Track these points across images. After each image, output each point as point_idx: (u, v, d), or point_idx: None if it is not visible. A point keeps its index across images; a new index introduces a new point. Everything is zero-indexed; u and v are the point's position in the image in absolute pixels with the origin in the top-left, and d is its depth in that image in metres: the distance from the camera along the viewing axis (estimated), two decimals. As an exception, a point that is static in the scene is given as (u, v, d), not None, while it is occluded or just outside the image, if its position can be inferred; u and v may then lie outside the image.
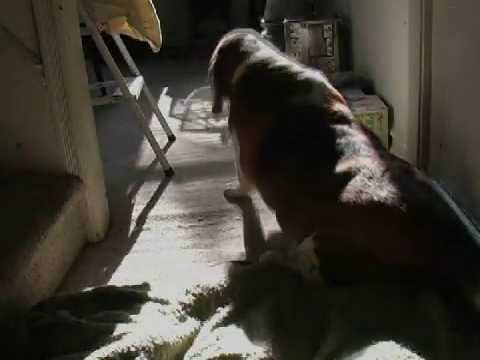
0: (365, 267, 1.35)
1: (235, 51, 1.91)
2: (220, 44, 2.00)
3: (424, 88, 1.91)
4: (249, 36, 1.96)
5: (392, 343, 1.15)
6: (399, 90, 2.12)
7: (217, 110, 2.03)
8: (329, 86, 1.75)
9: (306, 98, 1.68)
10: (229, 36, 2.00)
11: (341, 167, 1.46)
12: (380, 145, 1.62)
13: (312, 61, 3.14)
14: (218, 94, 2.00)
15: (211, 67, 2.00)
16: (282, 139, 1.65)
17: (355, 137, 1.56)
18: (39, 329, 1.28)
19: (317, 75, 1.77)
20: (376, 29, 2.51)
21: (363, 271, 1.36)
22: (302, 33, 3.14)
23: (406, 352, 1.12)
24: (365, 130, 1.65)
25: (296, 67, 1.79)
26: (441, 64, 1.81)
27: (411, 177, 1.42)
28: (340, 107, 1.68)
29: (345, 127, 1.60)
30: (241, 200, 2.06)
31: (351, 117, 1.67)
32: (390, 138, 2.32)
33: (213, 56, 2.00)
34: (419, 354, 1.12)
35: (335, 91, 1.75)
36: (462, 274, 1.27)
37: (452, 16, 1.69)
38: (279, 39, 3.41)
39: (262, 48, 1.91)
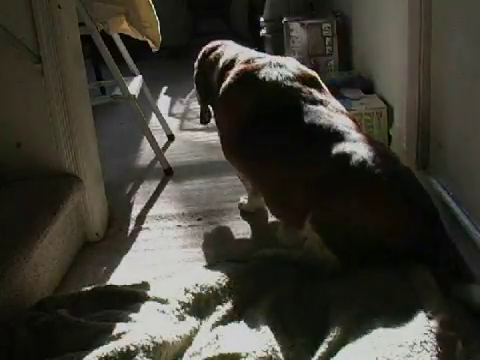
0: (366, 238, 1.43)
1: (212, 63, 1.94)
2: (200, 55, 2.06)
3: (423, 87, 1.91)
4: (225, 44, 2.01)
5: (391, 342, 1.15)
6: (398, 89, 2.11)
7: (205, 121, 2.15)
8: (304, 68, 1.78)
9: (277, 79, 1.70)
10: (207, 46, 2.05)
11: (329, 152, 1.50)
12: (356, 126, 1.65)
13: (311, 60, 3.14)
14: (204, 104, 2.08)
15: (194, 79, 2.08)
16: (257, 122, 1.67)
17: (334, 118, 1.59)
18: (38, 328, 1.28)
19: (290, 59, 1.81)
20: (376, 28, 2.51)
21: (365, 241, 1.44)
22: (301, 32, 3.14)
23: (405, 351, 1.12)
24: (339, 110, 1.68)
25: (267, 57, 1.82)
26: (440, 63, 1.81)
27: (393, 160, 1.54)
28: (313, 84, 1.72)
29: (320, 107, 1.63)
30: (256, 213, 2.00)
31: (324, 97, 1.70)
32: (389, 137, 2.32)
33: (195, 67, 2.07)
34: (418, 353, 1.12)
35: (311, 72, 1.77)
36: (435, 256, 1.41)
37: (452, 16, 1.69)
38: (278, 38, 3.42)
39: (233, 48, 1.96)
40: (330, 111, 1.63)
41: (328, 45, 3.14)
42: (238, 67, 1.79)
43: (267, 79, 1.70)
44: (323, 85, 1.77)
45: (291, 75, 1.71)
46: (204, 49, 2.05)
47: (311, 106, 1.63)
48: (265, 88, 1.70)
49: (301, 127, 1.59)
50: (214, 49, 2.00)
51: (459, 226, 1.58)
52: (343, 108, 1.73)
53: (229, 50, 1.94)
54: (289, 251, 1.60)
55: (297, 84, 1.69)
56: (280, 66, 1.73)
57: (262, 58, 1.81)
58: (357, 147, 1.49)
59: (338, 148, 1.50)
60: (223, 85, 1.80)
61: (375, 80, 2.59)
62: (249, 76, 1.74)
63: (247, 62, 1.80)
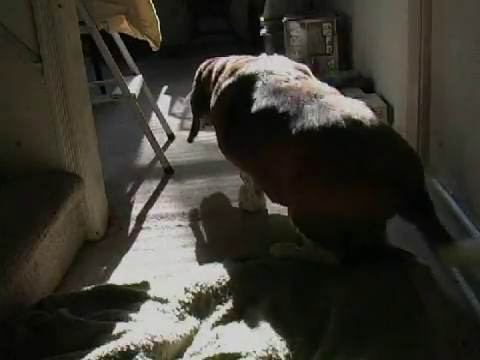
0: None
1: (207, 76, 1.97)
2: (196, 73, 2.08)
3: (424, 87, 1.92)
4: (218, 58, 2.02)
5: (392, 342, 1.16)
6: (399, 88, 2.12)
7: (193, 135, 2.18)
8: (294, 62, 1.80)
9: (258, 69, 1.72)
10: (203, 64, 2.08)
11: (284, 134, 1.48)
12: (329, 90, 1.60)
13: (311, 59, 3.14)
14: (196, 119, 2.13)
15: (191, 97, 2.13)
16: (238, 112, 1.69)
17: (296, 91, 1.55)
18: (39, 327, 1.28)
19: (281, 56, 1.84)
20: (376, 27, 2.51)
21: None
22: (301, 31, 3.14)
23: (405, 351, 1.12)
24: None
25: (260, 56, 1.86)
26: (441, 63, 1.81)
27: (361, 127, 1.40)
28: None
29: (291, 83, 1.61)
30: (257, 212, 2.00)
31: (301, 74, 1.70)
32: (389, 136, 2.31)
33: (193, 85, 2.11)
34: (419, 353, 1.12)
35: (301, 64, 1.79)
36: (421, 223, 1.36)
37: (452, 16, 1.69)
38: (278, 37, 3.41)
39: (226, 57, 1.97)
40: (298, 85, 1.59)
41: (328, 44, 3.14)
42: (228, 66, 1.85)
43: (247, 71, 1.74)
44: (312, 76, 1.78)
45: (275, 65, 1.73)
46: (199, 67, 2.08)
47: (281, 85, 1.61)
48: (245, 78, 1.73)
49: (267, 109, 1.58)
50: (208, 64, 2.04)
51: (459, 225, 1.58)
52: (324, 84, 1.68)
53: (221, 59, 1.97)
54: (297, 249, 1.60)
55: (277, 70, 1.69)
56: (268, 60, 1.78)
57: (253, 58, 1.85)
58: (309, 122, 1.43)
59: (293, 126, 1.46)
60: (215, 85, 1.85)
61: (375, 79, 2.59)
62: (235, 71, 1.78)
63: (236, 61, 1.85)
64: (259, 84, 1.66)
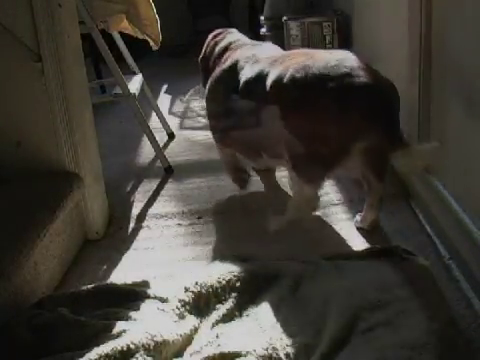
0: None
1: (212, 50, 2.07)
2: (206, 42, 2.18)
3: (424, 87, 1.91)
4: (228, 31, 2.12)
5: (392, 343, 1.16)
6: (399, 88, 2.11)
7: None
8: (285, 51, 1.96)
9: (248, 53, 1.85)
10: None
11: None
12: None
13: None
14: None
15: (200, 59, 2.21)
16: (230, 97, 1.81)
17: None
18: (39, 327, 1.28)
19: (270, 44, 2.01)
20: (376, 27, 2.51)
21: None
22: (301, 30, 3.14)
23: (406, 352, 1.12)
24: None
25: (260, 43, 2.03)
26: (441, 63, 1.81)
27: (340, 63, 1.57)
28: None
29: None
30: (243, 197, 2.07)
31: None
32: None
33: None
34: (420, 355, 1.12)
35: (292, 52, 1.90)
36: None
37: (452, 15, 1.69)
38: (279, 36, 3.41)
39: (231, 37, 2.07)
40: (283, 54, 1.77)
41: (328, 44, 3.14)
42: (226, 54, 1.95)
43: (235, 57, 1.86)
44: None
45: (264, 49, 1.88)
46: (210, 35, 2.15)
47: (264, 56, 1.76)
48: (233, 64, 1.84)
49: (250, 74, 1.73)
50: (216, 36, 2.12)
51: (460, 225, 1.58)
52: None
53: (226, 39, 2.05)
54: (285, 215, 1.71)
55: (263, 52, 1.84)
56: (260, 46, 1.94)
57: (251, 44, 1.97)
58: (286, 68, 1.59)
59: (273, 74, 1.62)
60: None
61: (375, 79, 2.58)
62: (227, 59, 1.90)
63: (235, 48, 1.95)
64: (244, 65, 1.79)
